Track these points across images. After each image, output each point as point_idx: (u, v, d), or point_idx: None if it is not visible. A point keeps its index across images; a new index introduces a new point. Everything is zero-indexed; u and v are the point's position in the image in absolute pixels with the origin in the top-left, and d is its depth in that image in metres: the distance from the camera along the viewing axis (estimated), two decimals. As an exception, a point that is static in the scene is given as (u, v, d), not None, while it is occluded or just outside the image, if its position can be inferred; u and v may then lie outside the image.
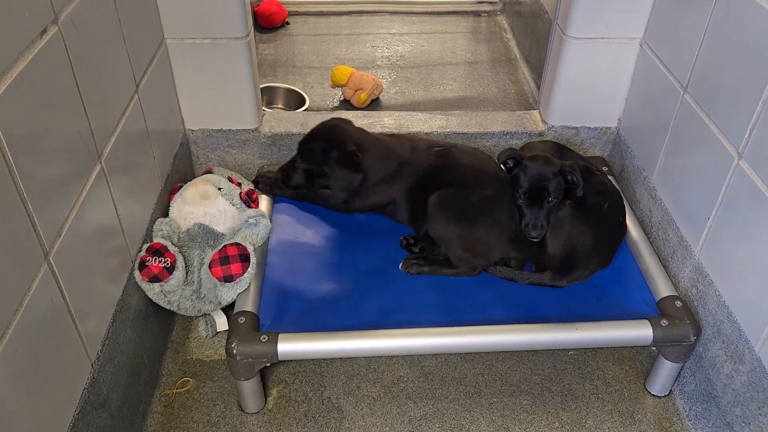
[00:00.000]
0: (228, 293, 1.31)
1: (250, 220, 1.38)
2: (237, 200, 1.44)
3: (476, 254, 1.35)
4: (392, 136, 1.54)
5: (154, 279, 1.27)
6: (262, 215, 1.40)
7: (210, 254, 1.32)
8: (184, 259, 1.35)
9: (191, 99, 1.62)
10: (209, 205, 1.40)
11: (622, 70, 1.64)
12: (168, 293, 1.31)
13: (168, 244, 1.30)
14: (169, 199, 1.46)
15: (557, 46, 1.66)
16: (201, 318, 1.43)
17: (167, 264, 1.28)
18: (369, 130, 1.72)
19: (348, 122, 1.48)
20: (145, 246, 1.29)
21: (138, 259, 1.27)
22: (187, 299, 1.34)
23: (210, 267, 1.30)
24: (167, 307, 1.34)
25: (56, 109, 0.96)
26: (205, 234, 1.38)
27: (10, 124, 0.82)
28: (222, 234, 1.40)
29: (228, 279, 1.29)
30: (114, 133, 1.17)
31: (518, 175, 1.33)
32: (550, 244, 1.34)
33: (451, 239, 1.34)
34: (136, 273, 1.26)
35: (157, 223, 1.37)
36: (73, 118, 1.01)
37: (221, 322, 1.42)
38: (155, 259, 1.27)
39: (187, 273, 1.34)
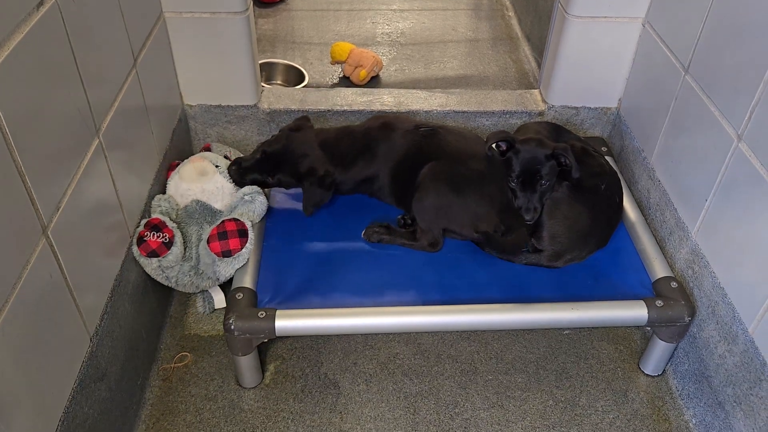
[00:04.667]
0: (226, 269, 1.32)
1: (246, 198, 1.38)
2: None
3: (464, 226, 1.35)
4: (372, 119, 1.53)
5: (152, 254, 1.27)
6: (258, 192, 1.40)
7: (208, 230, 1.33)
8: (183, 235, 1.35)
9: (190, 74, 1.61)
10: (207, 182, 1.40)
11: (623, 50, 1.63)
12: (166, 269, 1.32)
13: (166, 219, 1.31)
14: (167, 176, 1.46)
15: (559, 25, 1.65)
16: (198, 294, 1.44)
17: (165, 239, 1.28)
18: (368, 107, 1.72)
19: (310, 140, 1.43)
20: (144, 221, 1.29)
21: (136, 235, 1.27)
22: (185, 275, 1.35)
23: (208, 242, 1.30)
24: (165, 282, 1.35)
25: (54, 83, 0.95)
26: (202, 211, 1.39)
27: (7, 98, 0.82)
28: (219, 211, 1.40)
29: (226, 254, 1.29)
30: (112, 108, 1.16)
31: (511, 159, 1.33)
32: (547, 224, 1.34)
33: (439, 209, 1.33)
34: (134, 248, 1.26)
35: (155, 199, 1.37)
36: (70, 92, 1.00)
37: (219, 299, 1.43)
38: (153, 234, 1.27)
39: (185, 249, 1.34)
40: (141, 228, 1.28)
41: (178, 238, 1.31)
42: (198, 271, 1.35)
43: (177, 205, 1.40)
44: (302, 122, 1.47)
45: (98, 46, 1.11)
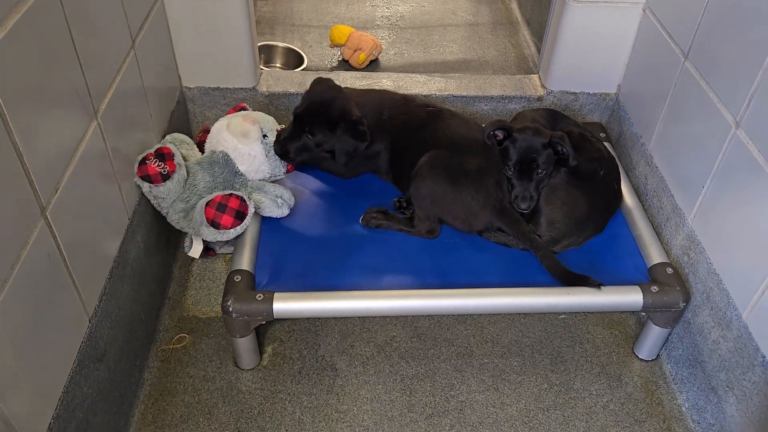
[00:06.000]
0: (209, 234, 1.31)
1: (278, 201, 1.38)
2: (272, 153, 1.42)
3: (457, 218, 1.35)
4: (383, 91, 1.54)
5: (146, 178, 1.28)
6: (290, 206, 1.40)
7: (214, 194, 1.31)
8: (192, 177, 1.35)
9: (188, 56, 1.60)
10: (244, 144, 1.39)
11: (623, 35, 1.63)
12: (157, 197, 1.32)
13: (177, 155, 1.31)
14: (199, 138, 1.49)
15: (559, 9, 1.64)
16: (187, 235, 1.43)
17: (164, 171, 1.28)
18: (367, 91, 1.72)
19: (337, 85, 1.44)
20: (157, 146, 1.30)
21: (144, 154, 1.28)
22: (175, 213, 1.35)
23: (206, 204, 1.29)
24: (157, 208, 1.35)
25: (51, 64, 0.95)
26: (224, 164, 1.38)
27: (4, 78, 0.81)
28: (240, 173, 1.40)
29: (215, 225, 1.28)
30: (110, 90, 1.16)
31: (508, 147, 1.33)
32: (545, 211, 1.34)
33: (434, 198, 1.33)
34: (136, 165, 1.28)
35: (172, 136, 1.42)
36: (68, 73, 1.00)
37: (195, 250, 1.40)
38: (156, 161, 1.28)
39: (184, 187, 1.34)
40: (151, 150, 1.29)
41: (178, 176, 1.31)
42: (188, 216, 1.35)
43: (189, 147, 1.43)
44: (318, 79, 1.46)
45: (96, 27, 1.11)
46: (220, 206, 1.28)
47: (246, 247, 1.32)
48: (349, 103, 1.39)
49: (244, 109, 1.54)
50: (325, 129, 1.37)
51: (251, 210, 1.31)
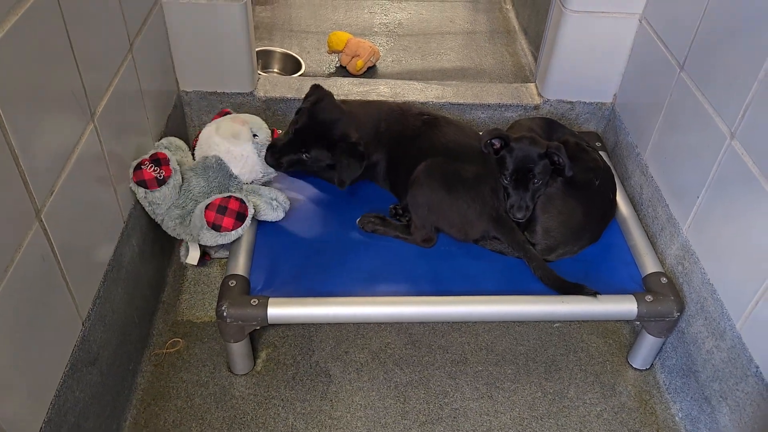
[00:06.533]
0: (210, 239, 1.31)
1: (273, 204, 1.38)
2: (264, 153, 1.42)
3: (453, 226, 1.35)
4: (380, 101, 1.55)
5: (142, 184, 1.28)
6: (285, 209, 1.39)
7: (212, 197, 1.31)
8: (187, 184, 1.35)
9: (186, 60, 1.60)
10: (235, 145, 1.39)
11: (620, 45, 1.64)
12: (152, 203, 1.31)
13: (173, 160, 1.31)
14: (193, 141, 1.50)
15: (556, 19, 1.65)
16: (184, 243, 1.42)
17: (160, 176, 1.28)
18: (364, 98, 1.72)
19: (339, 104, 1.43)
20: (152, 151, 1.30)
21: (139, 160, 1.28)
22: (171, 219, 1.34)
23: (206, 208, 1.29)
24: (151, 216, 1.35)
25: (48, 67, 0.95)
26: (218, 168, 1.38)
27: (1, 80, 0.81)
28: (235, 176, 1.39)
29: (216, 228, 1.28)
30: (107, 93, 1.16)
31: (504, 157, 1.34)
32: (541, 219, 1.35)
33: (431, 206, 1.33)
34: (131, 171, 1.27)
35: (167, 139, 1.42)
36: (65, 75, 1.00)
37: (192, 256, 1.38)
38: (151, 166, 1.28)
39: (180, 193, 1.34)
40: (146, 156, 1.29)
41: (174, 181, 1.30)
42: (184, 222, 1.34)
43: (183, 154, 1.42)
44: (319, 92, 1.43)
45: (94, 29, 1.11)
46: (221, 209, 1.28)
47: (241, 252, 1.32)
48: (351, 126, 1.39)
49: (229, 113, 1.54)
50: (323, 148, 1.37)
51: (251, 211, 1.31)
